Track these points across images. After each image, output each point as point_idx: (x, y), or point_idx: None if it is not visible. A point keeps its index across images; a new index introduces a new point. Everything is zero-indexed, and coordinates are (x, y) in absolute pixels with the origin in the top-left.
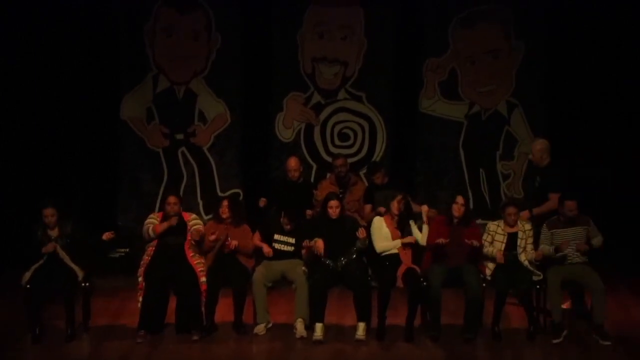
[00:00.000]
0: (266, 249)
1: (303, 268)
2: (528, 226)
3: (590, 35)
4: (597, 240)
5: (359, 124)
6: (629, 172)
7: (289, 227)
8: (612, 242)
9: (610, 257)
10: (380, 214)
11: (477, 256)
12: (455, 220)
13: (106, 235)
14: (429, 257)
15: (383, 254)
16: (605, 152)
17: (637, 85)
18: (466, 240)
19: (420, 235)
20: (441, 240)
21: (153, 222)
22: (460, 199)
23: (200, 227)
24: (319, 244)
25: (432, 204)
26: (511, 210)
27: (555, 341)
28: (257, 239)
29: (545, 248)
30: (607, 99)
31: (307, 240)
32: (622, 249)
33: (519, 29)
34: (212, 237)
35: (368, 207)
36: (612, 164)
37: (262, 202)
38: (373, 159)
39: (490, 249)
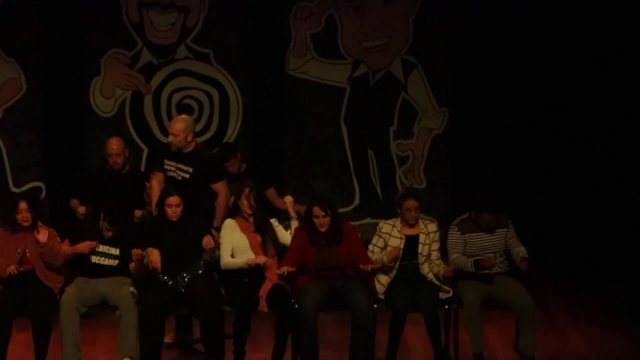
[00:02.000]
0: (84, 246)
1: (131, 288)
2: (433, 227)
3: None
4: (518, 253)
5: (206, 93)
6: (547, 157)
7: (110, 233)
8: (536, 245)
9: (536, 264)
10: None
11: (367, 273)
12: (322, 237)
13: None
14: (300, 273)
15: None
16: (522, 128)
17: (564, 52)
18: (361, 266)
19: (288, 238)
20: (284, 271)
21: None
22: (318, 211)
23: None
24: (154, 255)
25: (305, 197)
26: (410, 204)
27: None
28: (66, 248)
29: (460, 260)
30: (528, 60)
31: (138, 251)
32: (549, 253)
33: None
34: (11, 270)
35: None
36: (529, 145)
37: (81, 210)
38: (225, 140)
39: (380, 256)
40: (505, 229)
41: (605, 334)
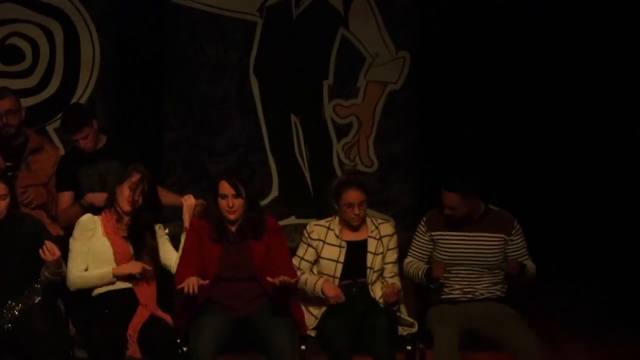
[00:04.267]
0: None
1: None
2: (388, 229)
3: None
4: (528, 268)
5: (43, 28)
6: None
7: None
8: (542, 262)
9: (542, 288)
10: (92, 206)
11: (288, 292)
12: (233, 228)
13: None
14: (189, 299)
15: (96, 292)
16: (518, 82)
17: None
18: (269, 279)
19: (174, 257)
20: (187, 286)
21: None
22: (225, 187)
23: None
24: None
25: (196, 188)
26: (353, 196)
27: None
28: None
29: (413, 266)
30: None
31: None
32: (561, 271)
33: None
34: None
35: (66, 196)
36: (526, 110)
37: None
38: (74, 100)
39: (313, 277)
40: (504, 235)
41: None
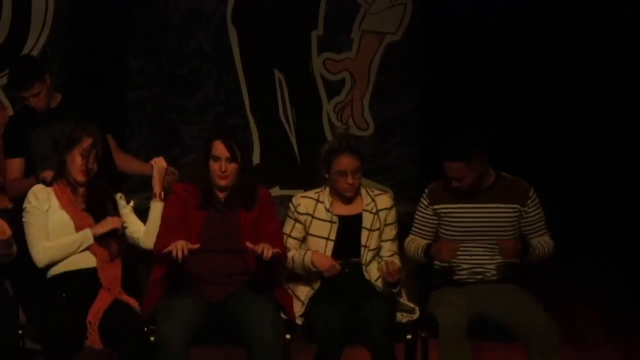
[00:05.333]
0: None
1: None
2: (385, 201)
3: None
4: (540, 244)
5: None
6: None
7: None
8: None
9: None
10: (45, 181)
11: (274, 270)
12: (222, 195)
13: None
14: (158, 279)
15: (51, 274)
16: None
17: None
18: (248, 244)
19: (142, 228)
20: (176, 250)
21: None
22: (220, 148)
23: None
24: None
25: (165, 153)
26: (346, 162)
27: None
28: None
29: (413, 244)
30: None
31: None
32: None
33: None
34: None
35: (16, 163)
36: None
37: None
38: (24, 52)
39: (300, 252)
40: (518, 205)
41: None
